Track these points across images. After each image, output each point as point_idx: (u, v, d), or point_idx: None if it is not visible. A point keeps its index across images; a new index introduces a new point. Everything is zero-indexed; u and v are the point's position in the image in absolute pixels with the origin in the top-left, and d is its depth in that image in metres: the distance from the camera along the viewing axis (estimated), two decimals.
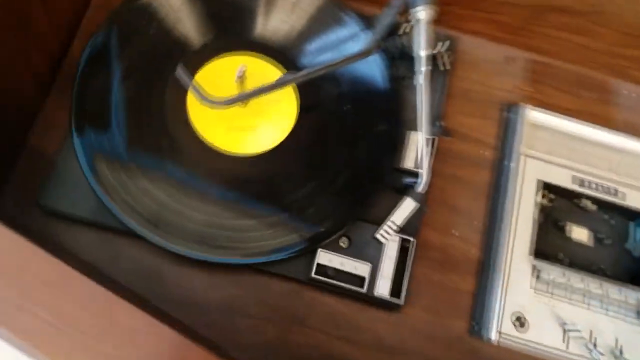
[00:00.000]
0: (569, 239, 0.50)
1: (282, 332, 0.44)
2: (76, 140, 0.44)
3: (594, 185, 0.52)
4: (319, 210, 0.45)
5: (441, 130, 0.44)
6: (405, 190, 0.45)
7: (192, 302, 0.43)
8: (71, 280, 0.28)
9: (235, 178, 0.45)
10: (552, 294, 0.47)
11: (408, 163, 0.48)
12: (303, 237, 0.44)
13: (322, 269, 0.44)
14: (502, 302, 0.46)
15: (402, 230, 0.46)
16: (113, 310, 0.31)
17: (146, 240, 0.42)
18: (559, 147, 0.53)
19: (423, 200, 0.43)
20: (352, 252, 0.45)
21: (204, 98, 0.42)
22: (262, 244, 0.44)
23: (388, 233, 0.42)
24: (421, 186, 0.42)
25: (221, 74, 0.48)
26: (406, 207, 0.42)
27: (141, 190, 0.44)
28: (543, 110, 0.54)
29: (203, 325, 0.43)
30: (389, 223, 0.42)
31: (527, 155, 0.52)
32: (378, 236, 0.42)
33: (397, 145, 0.48)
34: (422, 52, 0.43)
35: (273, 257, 0.43)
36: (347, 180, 0.46)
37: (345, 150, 0.48)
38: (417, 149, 0.44)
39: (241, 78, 0.45)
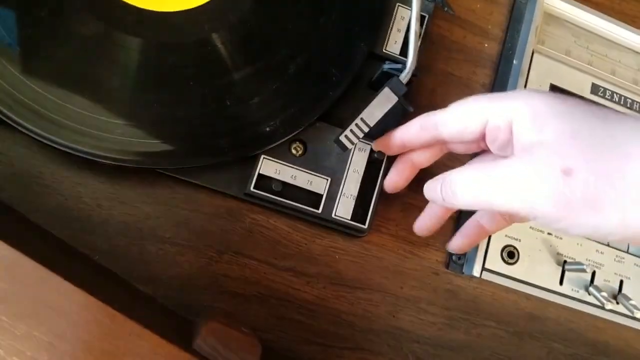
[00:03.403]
0: None
1: (207, 262, 0.33)
2: None
3: (615, 98, 0.42)
4: (265, 102, 0.33)
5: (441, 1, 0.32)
6: (383, 81, 0.33)
7: (83, 218, 0.32)
8: None
9: (147, 45, 0.32)
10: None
11: (392, 47, 0.36)
12: (240, 137, 0.32)
13: (265, 183, 0.33)
14: None
15: (373, 137, 0.34)
16: None
17: (20, 130, 0.29)
18: (578, 48, 0.42)
19: (406, 96, 0.32)
20: (307, 162, 0.33)
21: None
22: (184, 144, 0.32)
23: (356, 136, 0.31)
24: (405, 73, 0.30)
25: None
26: (383, 102, 0.31)
27: (15, 63, 0.30)
28: None
29: (99, 251, 0.31)
30: (358, 122, 0.30)
31: (538, 53, 0.41)
32: (342, 139, 0.30)
33: (378, 21, 0.35)
34: None
35: (197, 163, 0.32)
36: (306, 64, 0.34)
37: (306, 22, 0.35)
38: (408, 25, 0.31)
39: None
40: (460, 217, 0.37)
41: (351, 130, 0.31)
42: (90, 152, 0.30)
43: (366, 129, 0.31)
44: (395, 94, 0.31)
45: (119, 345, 0.20)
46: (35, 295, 0.20)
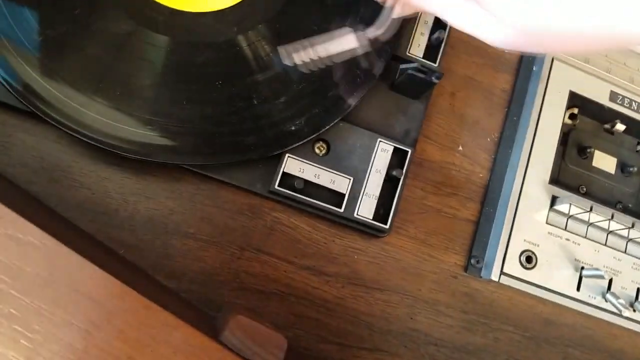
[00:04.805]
0: (592, 168, 0.41)
1: (229, 258, 0.33)
2: None
3: (634, 105, 0.42)
4: (290, 102, 0.33)
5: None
6: (406, 82, 0.34)
7: (109, 212, 0.32)
8: None
9: (177, 44, 0.32)
10: (569, 230, 0.38)
11: (415, 50, 0.36)
12: (265, 136, 0.32)
13: (289, 181, 0.33)
14: (510, 236, 0.37)
15: (395, 137, 0.35)
16: None
17: (51, 123, 0.30)
18: (597, 56, 0.43)
19: (425, 98, 0.32)
20: (331, 161, 0.34)
21: None
22: (210, 142, 0.32)
23: (299, 55, 0.30)
24: (378, 31, 0.30)
25: None
26: (343, 43, 0.30)
27: (48, 57, 0.31)
28: None
29: (124, 245, 0.32)
30: (309, 44, 0.30)
31: (558, 60, 0.41)
32: (281, 50, 0.30)
33: (401, 25, 0.36)
34: None
35: (223, 160, 0.32)
36: (331, 65, 0.34)
37: (332, 24, 0.35)
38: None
39: None
40: (479, 221, 0.38)
41: (301, 47, 0.30)
42: (118, 146, 0.30)
43: (314, 57, 0.30)
44: (358, 39, 0.30)
45: (153, 334, 0.20)
46: (74, 284, 0.20)
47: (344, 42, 0.30)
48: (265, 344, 0.24)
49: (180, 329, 0.20)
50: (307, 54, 0.30)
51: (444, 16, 0.25)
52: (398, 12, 0.29)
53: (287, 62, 0.30)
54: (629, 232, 0.38)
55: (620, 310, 0.37)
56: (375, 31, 0.29)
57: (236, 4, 0.34)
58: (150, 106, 0.31)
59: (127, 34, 0.32)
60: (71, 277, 0.20)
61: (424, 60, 0.36)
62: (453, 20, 0.25)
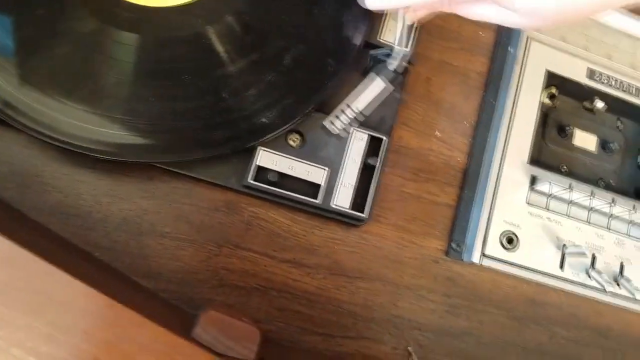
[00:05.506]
0: (572, 147, 0.41)
1: (207, 256, 0.33)
2: None
3: (612, 82, 0.42)
4: (261, 94, 0.33)
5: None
6: (375, 68, 0.33)
7: (82, 215, 0.32)
8: None
9: (142, 41, 0.32)
10: (551, 209, 0.38)
11: (387, 36, 0.36)
12: (237, 130, 0.32)
13: (263, 174, 0.33)
14: (490, 218, 0.37)
15: (370, 126, 0.34)
16: None
17: (19, 129, 0.30)
18: (574, 33, 0.42)
19: (399, 85, 0.32)
20: (305, 152, 0.33)
21: None
22: (182, 138, 0.32)
23: (342, 122, 0.31)
24: (396, 62, 0.30)
25: None
26: (373, 89, 0.31)
27: (12, 62, 0.30)
28: None
29: (99, 247, 0.32)
30: (345, 107, 0.30)
31: (534, 39, 0.41)
32: (326, 124, 0.30)
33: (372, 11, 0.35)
34: None
35: (195, 156, 0.32)
36: (302, 55, 0.34)
37: (301, 13, 0.35)
38: (399, 15, 0.31)
39: None
40: (459, 205, 0.37)
41: (337, 116, 0.31)
42: (88, 147, 0.30)
43: (354, 115, 0.31)
44: (387, 82, 0.31)
45: (119, 334, 0.20)
46: (35, 286, 0.20)
47: (375, 88, 0.31)
48: (239, 338, 0.23)
49: (146, 327, 0.20)
50: (347, 115, 0.31)
51: (469, 16, 0.29)
52: (411, 18, 0.30)
53: (336, 132, 0.32)
54: (610, 208, 0.38)
55: (604, 286, 0.37)
56: (395, 61, 0.30)
57: (192, 3, 0.33)
58: (120, 105, 0.31)
59: (92, 33, 0.32)
60: (33, 280, 0.20)
61: (395, 46, 0.35)
62: (479, 18, 0.29)
